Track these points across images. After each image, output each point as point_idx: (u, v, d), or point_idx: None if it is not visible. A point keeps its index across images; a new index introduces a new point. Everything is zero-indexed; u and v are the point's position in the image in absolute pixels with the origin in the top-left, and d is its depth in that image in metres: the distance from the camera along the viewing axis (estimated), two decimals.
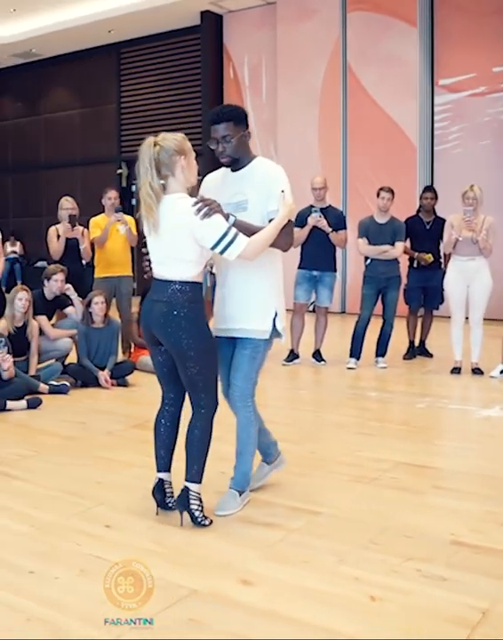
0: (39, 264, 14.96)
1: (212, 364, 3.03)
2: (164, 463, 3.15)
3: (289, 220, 3.09)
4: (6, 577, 2.56)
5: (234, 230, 2.89)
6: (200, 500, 3.02)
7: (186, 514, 3.00)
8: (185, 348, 2.93)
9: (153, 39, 13.95)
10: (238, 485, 3.26)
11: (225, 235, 2.86)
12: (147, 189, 2.90)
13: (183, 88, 13.69)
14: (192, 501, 3.00)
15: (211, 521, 3.02)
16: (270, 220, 3.07)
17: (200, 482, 3.03)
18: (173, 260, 2.96)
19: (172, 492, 3.16)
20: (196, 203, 2.87)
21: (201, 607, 2.35)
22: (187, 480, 3.02)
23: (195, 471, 3.02)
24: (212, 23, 12.95)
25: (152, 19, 12.93)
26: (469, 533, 2.97)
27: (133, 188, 14.43)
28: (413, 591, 2.45)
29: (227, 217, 2.95)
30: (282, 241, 3.09)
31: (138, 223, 6.74)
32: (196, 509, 2.99)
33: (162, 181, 2.92)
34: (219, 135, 3.10)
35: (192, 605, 2.35)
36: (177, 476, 3.13)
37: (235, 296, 3.18)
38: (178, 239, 2.92)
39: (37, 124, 16.18)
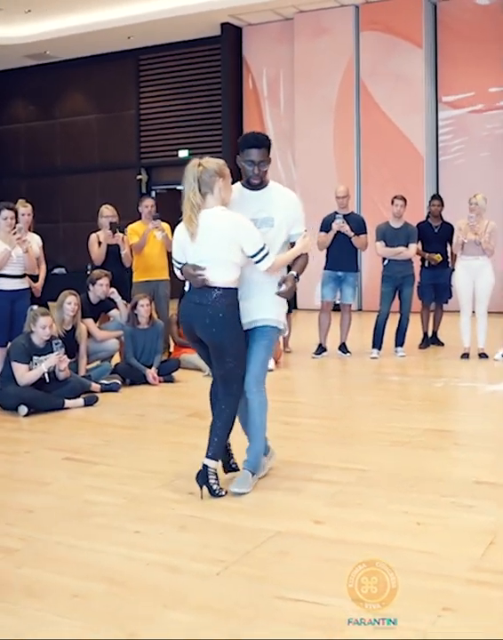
0: (57, 271, 14.94)
1: (245, 358, 3.52)
2: None
3: (304, 254, 3.66)
4: (117, 537, 3.02)
5: (267, 247, 3.43)
6: (216, 475, 3.46)
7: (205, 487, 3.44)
8: (227, 345, 3.41)
9: (173, 47, 14.08)
10: (252, 466, 3.59)
11: (262, 249, 3.42)
12: (190, 203, 3.38)
13: (203, 96, 13.94)
14: (210, 476, 3.43)
15: (226, 492, 3.45)
16: (292, 244, 3.63)
17: (217, 460, 3.49)
18: (218, 263, 3.39)
19: (232, 454, 3.66)
20: (283, 294, 3.50)
21: (286, 542, 2.94)
22: (209, 457, 3.45)
23: (218, 450, 3.47)
24: (232, 35, 13.26)
25: (172, 27, 13.04)
26: (487, 475, 3.77)
27: (153, 193, 14.68)
28: (448, 516, 3.21)
29: (294, 277, 3.54)
30: (299, 264, 3.64)
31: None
32: (214, 483, 3.43)
33: (201, 197, 3.38)
34: (257, 159, 3.50)
35: (279, 541, 2.94)
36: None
37: (258, 295, 3.56)
38: (224, 245, 3.39)
39: (52, 128, 15.88)
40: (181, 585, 2.61)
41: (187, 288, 3.57)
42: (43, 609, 2.44)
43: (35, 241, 6.55)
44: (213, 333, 3.41)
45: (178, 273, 3.62)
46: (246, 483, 3.55)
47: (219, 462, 3.56)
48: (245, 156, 3.53)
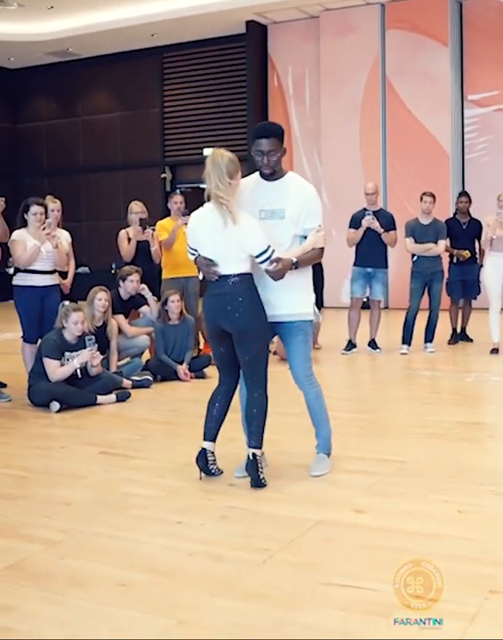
0: (80, 270, 14.97)
1: (268, 342, 3.60)
2: (212, 435, 3.64)
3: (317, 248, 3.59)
4: (158, 528, 3.03)
5: (272, 248, 3.43)
6: (262, 464, 3.52)
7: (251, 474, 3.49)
8: (250, 330, 3.46)
9: (197, 45, 14.06)
10: (325, 449, 3.76)
11: (266, 250, 3.42)
12: (216, 193, 3.38)
13: (228, 94, 13.94)
14: (259, 466, 3.49)
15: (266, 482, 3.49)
16: (305, 237, 3.57)
17: (261, 447, 3.54)
18: (229, 260, 3.45)
19: (215, 460, 3.63)
20: (272, 275, 3.43)
21: (329, 530, 2.96)
22: (253, 447, 3.52)
23: (260, 438, 3.53)
24: (258, 33, 13.26)
25: (196, 25, 13.04)
26: None
27: (178, 191, 14.82)
28: (490, 505, 3.25)
29: (293, 263, 3.46)
30: (308, 257, 3.58)
31: None
32: (261, 472, 3.49)
33: (224, 187, 3.38)
34: (266, 149, 3.49)
35: (322, 530, 2.97)
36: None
37: (280, 288, 3.53)
38: (229, 245, 3.43)
39: (75, 125, 15.86)
40: (227, 573, 2.62)
41: (200, 276, 3.60)
42: (88, 598, 2.45)
43: (64, 237, 6.51)
44: (236, 318, 3.45)
45: (191, 257, 3.68)
46: (324, 465, 3.69)
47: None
48: (255, 146, 3.53)
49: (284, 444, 3.87)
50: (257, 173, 3.63)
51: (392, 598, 2.34)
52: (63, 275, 6.43)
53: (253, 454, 3.51)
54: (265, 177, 3.59)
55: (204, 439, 3.65)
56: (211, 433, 3.66)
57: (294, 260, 3.49)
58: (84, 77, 15.51)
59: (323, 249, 3.63)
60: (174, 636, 2.22)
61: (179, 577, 2.60)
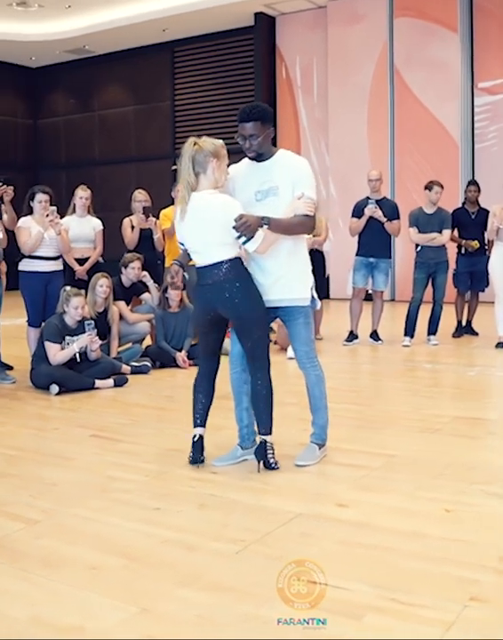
0: None
1: (267, 325, 3.54)
2: (202, 421, 3.63)
3: (305, 215, 3.45)
4: (136, 513, 3.01)
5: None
6: (272, 449, 3.51)
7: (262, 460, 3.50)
8: (250, 313, 3.42)
9: (207, 38, 14.25)
10: (318, 439, 3.68)
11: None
12: (185, 182, 3.36)
13: (236, 86, 14.04)
14: (268, 451, 3.49)
15: (279, 466, 3.50)
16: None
17: (271, 433, 3.51)
18: (215, 246, 3.39)
19: (203, 448, 3.59)
20: (236, 226, 3.30)
21: (308, 524, 2.86)
22: (260, 433, 3.52)
23: (268, 424, 3.51)
24: (266, 24, 13.37)
25: (206, 19, 13.23)
26: None
27: None
28: (479, 504, 3.08)
29: (261, 219, 3.34)
30: (297, 231, 3.51)
31: None
32: (271, 457, 3.50)
33: (194, 177, 3.36)
34: (248, 133, 3.45)
35: (301, 523, 2.86)
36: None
37: (277, 271, 3.50)
38: (216, 228, 3.36)
39: (91, 120, 16.27)
40: (198, 563, 2.56)
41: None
42: (57, 580, 2.44)
43: (93, 224, 6.74)
44: (237, 304, 3.40)
45: (182, 252, 3.67)
46: (312, 455, 3.62)
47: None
48: (239, 131, 3.51)
49: (276, 434, 3.76)
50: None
51: (366, 599, 2.25)
52: (83, 262, 6.66)
53: (263, 441, 3.51)
54: (255, 159, 3.55)
55: (194, 426, 3.64)
56: (201, 419, 3.65)
57: (267, 220, 3.35)
58: (100, 73, 16.03)
59: (312, 220, 3.51)
60: (134, 623, 2.17)
61: (149, 564, 2.55)
